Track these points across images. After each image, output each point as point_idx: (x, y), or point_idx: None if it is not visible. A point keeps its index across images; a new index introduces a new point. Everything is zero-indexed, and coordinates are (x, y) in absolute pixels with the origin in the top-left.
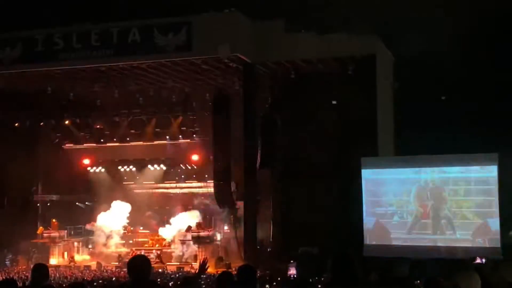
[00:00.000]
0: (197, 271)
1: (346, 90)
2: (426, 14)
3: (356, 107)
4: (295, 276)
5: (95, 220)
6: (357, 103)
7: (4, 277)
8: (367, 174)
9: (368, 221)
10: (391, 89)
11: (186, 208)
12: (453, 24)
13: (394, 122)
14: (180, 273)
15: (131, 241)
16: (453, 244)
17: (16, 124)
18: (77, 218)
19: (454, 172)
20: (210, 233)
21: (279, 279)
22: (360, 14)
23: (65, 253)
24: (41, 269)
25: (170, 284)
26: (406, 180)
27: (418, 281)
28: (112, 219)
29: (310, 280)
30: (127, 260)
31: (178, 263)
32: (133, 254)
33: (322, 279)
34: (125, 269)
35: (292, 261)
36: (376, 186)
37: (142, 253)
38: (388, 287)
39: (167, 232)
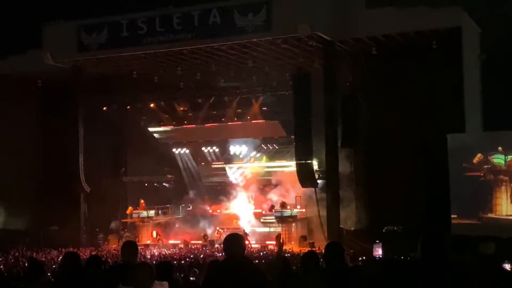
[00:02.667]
0: (276, 251)
1: (431, 64)
2: None
3: (441, 82)
4: (380, 256)
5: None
6: (443, 78)
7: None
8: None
9: (456, 195)
10: (478, 61)
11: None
12: None
13: (482, 96)
14: (264, 251)
15: (216, 221)
16: None
17: (104, 108)
18: (164, 198)
19: None
20: (294, 212)
21: (363, 258)
22: None
23: (154, 232)
24: (130, 246)
25: (255, 261)
26: None
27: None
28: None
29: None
30: (213, 238)
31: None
32: (218, 233)
33: (408, 258)
34: (209, 247)
35: (377, 241)
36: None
37: (227, 232)
38: (475, 267)
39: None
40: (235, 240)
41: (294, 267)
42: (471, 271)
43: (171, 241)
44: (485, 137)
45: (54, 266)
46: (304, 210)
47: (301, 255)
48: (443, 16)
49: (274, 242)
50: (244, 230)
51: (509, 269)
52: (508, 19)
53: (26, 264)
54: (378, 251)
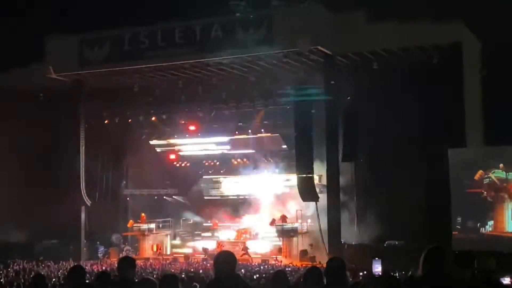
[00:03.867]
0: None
1: (432, 79)
2: None
3: (442, 97)
4: (380, 273)
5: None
6: (443, 93)
7: (98, 269)
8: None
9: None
10: (479, 76)
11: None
12: None
13: (483, 111)
14: (264, 265)
15: (216, 234)
16: None
17: (106, 121)
18: (165, 211)
19: None
20: (294, 226)
21: (363, 273)
22: (444, 1)
23: (154, 246)
24: (127, 261)
25: (255, 276)
26: None
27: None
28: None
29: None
30: (214, 251)
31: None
32: (219, 246)
33: (410, 273)
34: (211, 261)
35: (376, 258)
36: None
37: (228, 246)
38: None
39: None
40: (225, 257)
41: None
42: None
43: (171, 255)
44: (486, 152)
45: (54, 280)
46: (305, 224)
47: (303, 270)
48: (444, 32)
49: (274, 257)
50: (244, 244)
51: (508, 283)
52: (509, 35)
53: (28, 277)
54: (378, 268)
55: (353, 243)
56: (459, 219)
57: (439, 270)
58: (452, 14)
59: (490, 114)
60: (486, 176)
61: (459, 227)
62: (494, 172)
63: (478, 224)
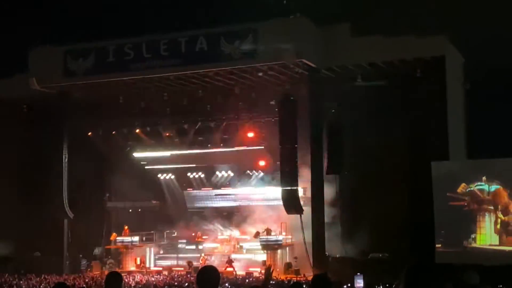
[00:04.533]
0: (263, 278)
1: (416, 92)
2: (496, 12)
3: (426, 110)
4: None
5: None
6: (427, 106)
7: (80, 283)
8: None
9: (440, 224)
10: (462, 90)
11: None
12: None
13: (466, 124)
14: (249, 278)
15: (201, 247)
16: None
17: (89, 133)
18: (149, 224)
19: None
20: (279, 238)
21: (348, 285)
22: (427, 15)
23: (137, 259)
24: (115, 279)
25: None
26: None
27: None
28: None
29: None
30: (198, 264)
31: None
32: (203, 259)
33: (394, 286)
34: (195, 275)
35: (358, 274)
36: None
37: (212, 258)
38: None
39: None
40: (207, 273)
41: None
42: None
43: (155, 268)
44: (469, 166)
45: None
46: (290, 236)
47: (287, 284)
48: (427, 45)
49: (259, 269)
50: (229, 257)
51: None
52: (491, 49)
53: None
54: (360, 283)
55: (337, 256)
56: (442, 231)
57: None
58: (435, 28)
59: (473, 128)
60: (468, 189)
61: (442, 240)
62: (476, 185)
63: (461, 237)
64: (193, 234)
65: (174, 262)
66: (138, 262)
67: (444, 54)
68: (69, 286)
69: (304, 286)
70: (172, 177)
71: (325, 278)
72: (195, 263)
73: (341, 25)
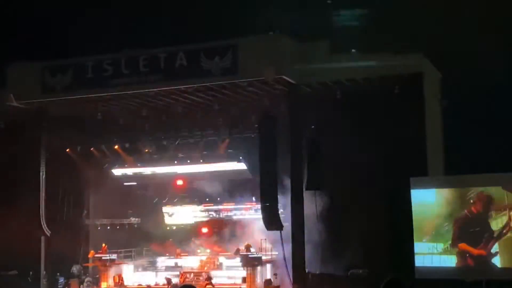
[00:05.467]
0: None
1: (394, 109)
2: (473, 30)
3: (404, 126)
4: None
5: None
6: (405, 122)
7: None
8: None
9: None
10: (440, 107)
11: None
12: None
13: (444, 140)
14: None
15: (180, 264)
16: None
17: (68, 150)
18: (127, 241)
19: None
20: (259, 255)
21: None
22: (405, 33)
23: (116, 276)
24: None
25: None
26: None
27: None
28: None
29: None
30: (177, 281)
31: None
32: (182, 276)
33: None
34: None
35: None
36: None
37: (191, 276)
38: None
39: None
40: None
41: None
42: None
43: (133, 286)
44: (446, 181)
45: None
46: (270, 253)
47: None
48: (405, 62)
49: (239, 287)
50: (208, 274)
51: None
52: (469, 66)
53: None
54: None
55: (317, 272)
56: None
57: None
58: (413, 46)
59: (451, 144)
60: None
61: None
62: None
63: None
64: (172, 251)
65: (153, 280)
66: (117, 280)
67: (422, 71)
68: None
69: None
70: (152, 193)
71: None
72: (174, 280)
73: (321, 42)
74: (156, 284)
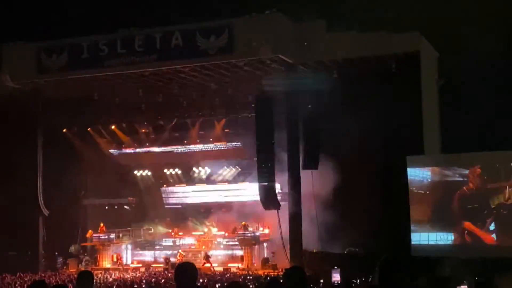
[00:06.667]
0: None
1: (391, 88)
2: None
3: (401, 105)
4: (338, 282)
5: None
6: (402, 101)
7: (56, 280)
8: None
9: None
10: (436, 86)
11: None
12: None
13: (440, 119)
14: (226, 274)
15: (178, 243)
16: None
17: (64, 130)
18: (125, 221)
19: None
20: (255, 234)
21: (322, 281)
22: (402, 11)
23: (114, 256)
24: (85, 276)
25: (217, 285)
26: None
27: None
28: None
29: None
30: (175, 261)
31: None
32: (180, 256)
33: (370, 280)
34: (172, 271)
35: (335, 267)
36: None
37: (189, 255)
38: None
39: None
40: (185, 269)
41: None
42: None
43: (132, 265)
44: (442, 159)
45: None
46: (266, 232)
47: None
48: (402, 41)
49: (237, 265)
50: (206, 253)
51: None
52: (465, 45)
53: None
54: (336, 277)
55: (314, 250)
56: None
57: (394, 280)
58: (410, 25)
59: (447, 122)
60: None
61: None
62: None
63: None
64: (170, 230)
65: (151, 259)
66: (115, 259)
67: (419, 49)
68: (48, 284)
69: (281, 281)
70: (149, 173)
71: (299, 270)
72: (172, 259)
73: (317, 22)
74: (155, 263)
